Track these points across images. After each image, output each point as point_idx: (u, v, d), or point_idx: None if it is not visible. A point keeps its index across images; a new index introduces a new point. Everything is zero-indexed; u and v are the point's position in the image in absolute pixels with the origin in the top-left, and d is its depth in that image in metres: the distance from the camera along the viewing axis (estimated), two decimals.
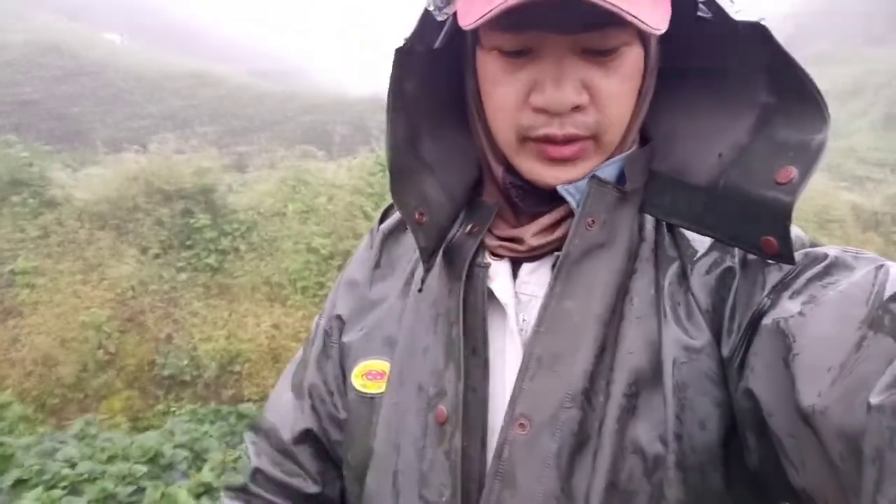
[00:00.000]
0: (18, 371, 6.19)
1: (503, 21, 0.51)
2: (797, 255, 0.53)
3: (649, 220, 0.61)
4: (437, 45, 0.61)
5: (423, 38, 0.60)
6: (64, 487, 3.66)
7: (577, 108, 0.55)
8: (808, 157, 0.51)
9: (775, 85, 0.54)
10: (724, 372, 0.54)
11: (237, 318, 6.70)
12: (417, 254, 0.65)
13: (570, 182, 0.58)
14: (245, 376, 6.42)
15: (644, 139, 0.63)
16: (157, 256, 7.01)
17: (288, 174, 7.63)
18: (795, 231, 0.55)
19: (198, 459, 4.38)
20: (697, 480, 0.53)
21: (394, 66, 0.59)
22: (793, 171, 0.51)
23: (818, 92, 0.51)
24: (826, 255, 0.52)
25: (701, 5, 0.56)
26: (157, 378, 6.37)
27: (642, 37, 0.55)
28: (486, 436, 0.57)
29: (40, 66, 16.11)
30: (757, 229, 0.53)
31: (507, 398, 0.55)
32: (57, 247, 6.79)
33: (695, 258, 0.59)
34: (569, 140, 0.56)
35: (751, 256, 0.56)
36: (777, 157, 0.52)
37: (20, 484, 3.76)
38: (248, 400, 6.12)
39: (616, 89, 0.55)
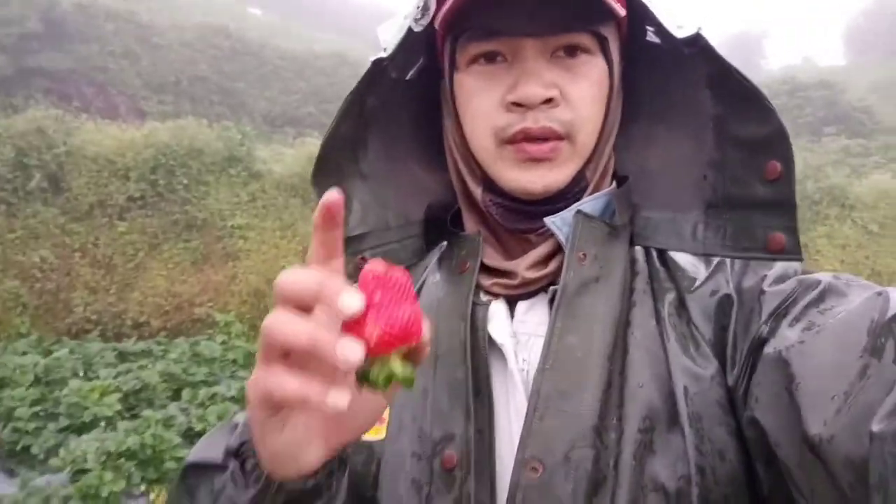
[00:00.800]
0: (237, 300, 8.40)
1: (480, 26, 0.58)
2: (791, 283, 0.53)
3: (639, 253, 0.61)
4: (409, 76, 0.65)
5: (399, 61, 0.63)
6: None
7: (549, 102, 0.57)
8: (781, 146, 0.53)
9: (719, 96, 0.56)
10: (732, 401, 0.53)
11: None
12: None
13: (547, 188, 0.59)
14: None
15: (618, 180, 0.66)
16: None
17: None
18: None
19: None
20: None
21: (363, 77, 0.61)
22: (777, 165, 0.52)
23: (755, 87, 0.53)
24: (819, 282, 0.52)
25: (650, 30, 0.61)
26: None
27: (605, 52, 0.60)
28: (494, 480, 0.54)
29: (213, 46, 18.62)
30: (762, 229, 0.53)
31: (513, 440, 0.53)
32: (262, 209, 8.92)
33: (692, 288, 0.58)
34: (544, 135, 0.57)
35: (746, 283, 0.57)
36: (755, 156, 0.54)
37: None
38: None
39: (584, 91, 0.59)
